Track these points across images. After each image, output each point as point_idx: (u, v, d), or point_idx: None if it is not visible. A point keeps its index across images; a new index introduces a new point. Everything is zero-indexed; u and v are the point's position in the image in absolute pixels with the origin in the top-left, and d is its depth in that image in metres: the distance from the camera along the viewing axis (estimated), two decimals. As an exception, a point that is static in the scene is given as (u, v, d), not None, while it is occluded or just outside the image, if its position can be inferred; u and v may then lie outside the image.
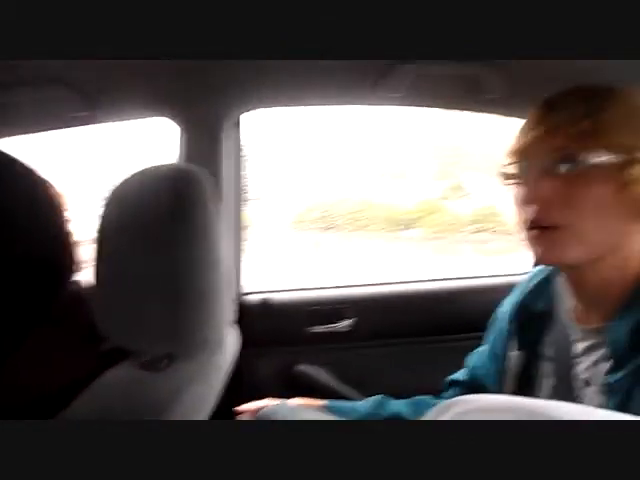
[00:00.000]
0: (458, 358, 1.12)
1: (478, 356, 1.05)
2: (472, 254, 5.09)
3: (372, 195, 5.39)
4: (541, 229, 0.73)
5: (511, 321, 0.93)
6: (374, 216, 5.08)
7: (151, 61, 1.16)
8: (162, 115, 1.31)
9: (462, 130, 5.21)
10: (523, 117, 1.39)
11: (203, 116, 1.30)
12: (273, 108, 1.34)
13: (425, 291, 1.63)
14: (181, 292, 0.75)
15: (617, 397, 0.69)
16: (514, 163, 0.78)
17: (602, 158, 0.69)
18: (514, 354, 0.90)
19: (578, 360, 0.79)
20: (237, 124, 1.38)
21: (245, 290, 1.53)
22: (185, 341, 0.77)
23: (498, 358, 0.95)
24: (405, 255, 5.12)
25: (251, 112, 1.35)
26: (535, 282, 0.93)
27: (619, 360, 0.70)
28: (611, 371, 0.71)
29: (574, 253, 0.72)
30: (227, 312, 0.87)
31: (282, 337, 1.50)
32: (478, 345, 1.10)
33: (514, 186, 0.79)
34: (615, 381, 0.70)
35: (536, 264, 0.78)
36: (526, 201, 0.74)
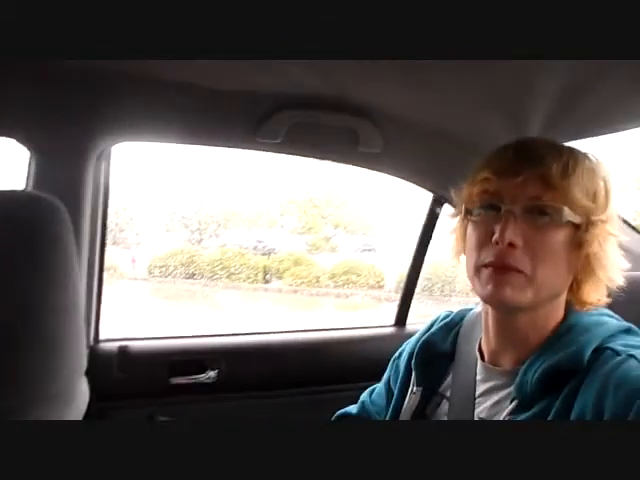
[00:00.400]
0: (322, 409, 1.12)
1: (372, 393, 1.06)
2: (333, 307, 5.19)
3: (238, 243, 5.35)
4: (500, 270, 0.75)
5: (411, 360, 0.94)
6: (240, 265, 5.02)
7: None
8: (8, 136, 1.17)
9: (334, 184, 5.40)
10: (395, 174, 1.48)
11: (62, 142, 1.18)
12: (147, 142, 1.27)
13: (290, 342, 1.60)
14: (23, 338, 0.66)
15: None
16: (483, 204, 0.79)
17: (568, 216, 0.74)
18: (412, 392, 0.91)
19: (479, 400, 0.81)
20: (106, 156, 1.28)
21: (101, 337, 1.40)
22: (25, 394, 0.67)
23: (394, 395, 0.96)
24: (268, 306, 5.09)
25: (122, 144, 1.26)
26: (440, 325, 0.96)
27: (525, 401, 0.74)
28: (515, 412, 0.74)
29: (526, 297, 0.75)
30: (79, 361, 0.78)
31: (141, 388, 1.37)
32: (343, 397, 1.10)
33: (474, 225, 0.80)
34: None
35: (486, 302, 0.80)
36: (489, 241, 0.76)
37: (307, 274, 5.29)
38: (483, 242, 0.77)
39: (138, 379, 1.37)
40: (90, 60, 1.08)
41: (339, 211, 5.51)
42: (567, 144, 0.82)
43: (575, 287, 0.79)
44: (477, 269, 0.77)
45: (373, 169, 1.44)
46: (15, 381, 0.66)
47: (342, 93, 1.18)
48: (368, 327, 1.72)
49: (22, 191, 1.06)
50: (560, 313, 0.80)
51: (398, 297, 1.73)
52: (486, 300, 0.78)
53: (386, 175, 1.47)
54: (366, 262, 5.27)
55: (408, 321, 1.71)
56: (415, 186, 1.52)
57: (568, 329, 0.77)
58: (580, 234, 0.75)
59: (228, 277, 4.98)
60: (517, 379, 0.75)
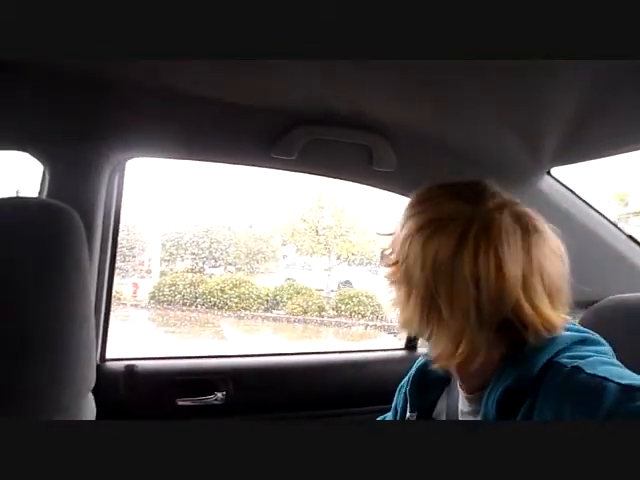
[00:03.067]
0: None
1: (385, 417, 1.07)
2: (335, 337, 5.15)
3: (239, 272, 5.33)
4: None
5: (410, 384, 0.95)
6: (242, 293, 4.99)
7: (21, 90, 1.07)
8: (24, 150, 1.17)
9: (341, 211, 5.40)
10: (409, 195, 1.47)
11: (77, 156, 1.17)
12: (160, 158, 1.27)
13: (300, 364, 1.57)
14: (36, 344, 0.64)
15: None
16: None
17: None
18: (409, 416, 0.92)
19: None
20: (119, 171, 1.28)
21: (107, 356, 1.37)
22: (34, 405, 0.65)
23: (400, 419, 0.97)
24: (270, 334, 5.05)
25: (136, 160, 1.26)
26: None
27: None
28: None
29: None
30: (88, 376, 0.76)
31: (147, 409, 1.33)
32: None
33: None
34: None
35: None
36: None
37: (309, 303, 5.26)
38: None
39: (144, 399, 1.34)
40: (106, 73, 1.10)
41: (343, 240, 5.50)
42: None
43: None
44: None
45: (386, 189, 1.44)
46: (25, 390, 0.64)
47: (358, 109, 1.18)
48: (378, 350, 1.69)
49: (42, 199, 1.05)
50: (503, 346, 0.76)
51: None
52: None
53: (398, 195, 1.46)
54: (368, 291, 5.24)
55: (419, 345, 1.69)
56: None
57: (522, 350, 0.74)
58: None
59: (231, 305, 4.94)
60: (481, 409, 0.76)
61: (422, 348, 1.68)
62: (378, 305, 5.20)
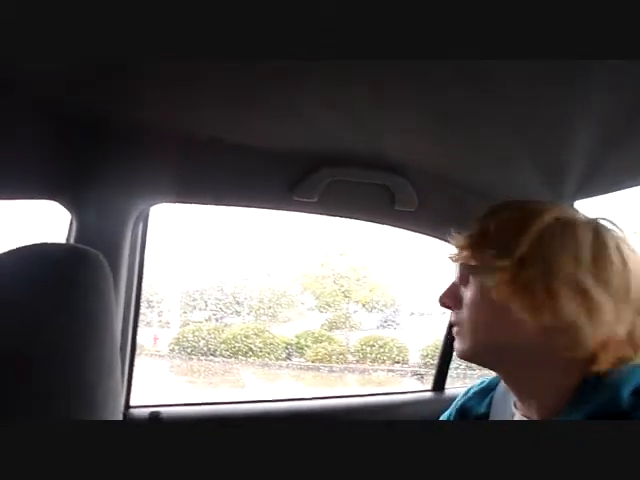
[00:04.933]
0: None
1: None
2: (357, 384, 5.06)
3: (258, 321, 5.31)
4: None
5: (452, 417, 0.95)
6: (261, 342, 4.96)
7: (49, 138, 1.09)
8: (51, 199, 1.19)
9: (352, 261, 5.39)
10: (430, 234, 1.47)
11: (104, 205, 1.19)
12: (184, 204, 1.29)
13: (328, 408, 1.54)
14: (59, 398, 0.64)
15: None
16: None
17: (473, 263, 0.78)
18: None
19: None
20: (143, 218, 1.29)
21: (132, 403, 1.36)
22: None
23: None
24: (291, 383, 4.98)
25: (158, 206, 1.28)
26: (478, 388, 0.96)
27: None
28: None
29: (464, 346, 0.79)
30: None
31: None
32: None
33: None
34: None
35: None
36: None
37: (329, 351, 5.20)
38: None
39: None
40: (130, 121, 1.12)
41: (360, 286, 5.48)
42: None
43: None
44: None
45: (407, 228, 1.44)
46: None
47: (378, 150, 1.20)
48: (406, 392, 1.66)
49: (71, 244, 1.07)
50: (581, 367, 0.73)
51: (424, 371, 1.69)
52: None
53: (421, 235, 1.46)
54: (388, 337, 5.18)
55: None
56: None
57: (605, 376, 0.71)
58: (489, 279, 0.75)
59: (249, 354, 4.90)
60: None
61: (450, 389, 1.64)
62: (400, 349, 5.13)
